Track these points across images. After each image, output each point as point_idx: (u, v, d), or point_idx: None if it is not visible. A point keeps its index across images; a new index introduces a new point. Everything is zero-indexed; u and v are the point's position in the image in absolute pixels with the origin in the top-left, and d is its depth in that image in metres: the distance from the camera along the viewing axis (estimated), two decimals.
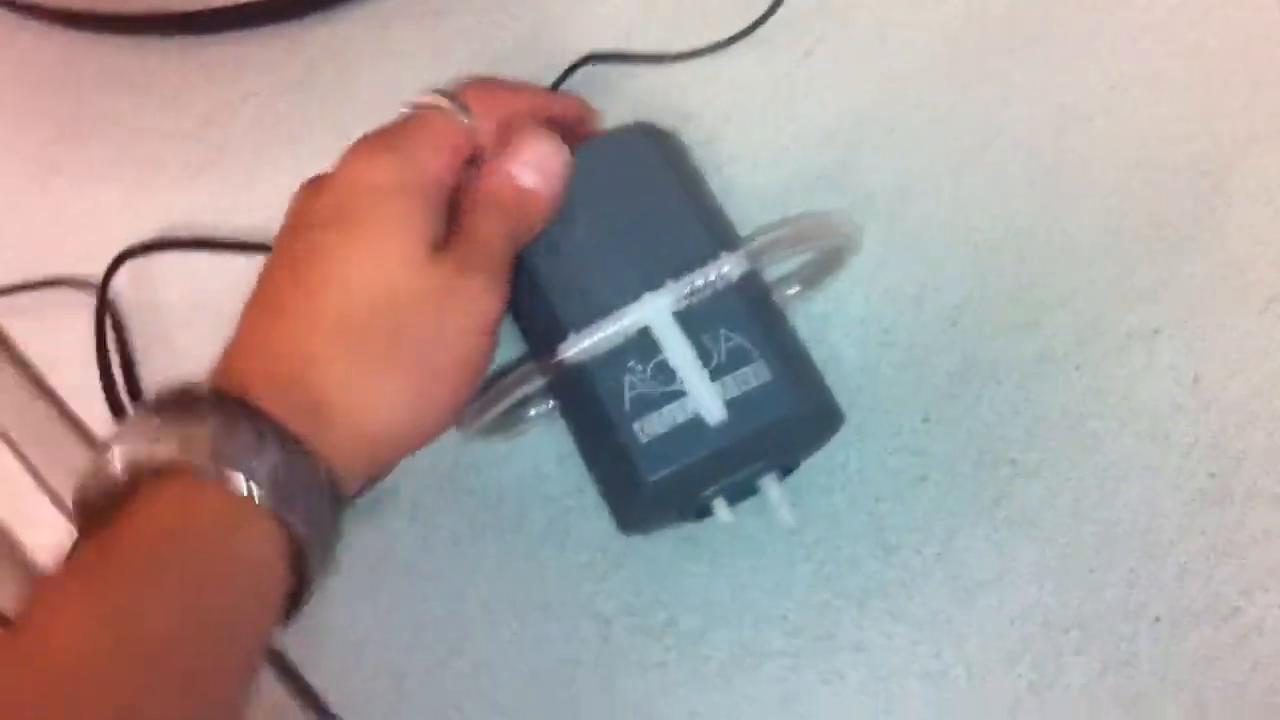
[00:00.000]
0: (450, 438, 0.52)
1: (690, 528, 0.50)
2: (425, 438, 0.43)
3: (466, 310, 0.43)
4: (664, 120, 0.55)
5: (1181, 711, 0.49)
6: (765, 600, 0.51)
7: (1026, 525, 0.51)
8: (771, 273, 0.52)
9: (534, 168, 0.46)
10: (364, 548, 0.53)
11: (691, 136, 0.56)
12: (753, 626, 0.51)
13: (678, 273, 0.46)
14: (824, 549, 0.52)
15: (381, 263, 0.41)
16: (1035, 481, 0.51)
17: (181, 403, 0.38)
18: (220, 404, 0.38)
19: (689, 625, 0.51)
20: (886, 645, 0.50)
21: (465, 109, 0.46)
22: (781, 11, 0.58)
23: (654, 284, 0.46)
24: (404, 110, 0.46)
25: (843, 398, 0.52)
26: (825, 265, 0.52)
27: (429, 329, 0.42)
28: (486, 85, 0.48)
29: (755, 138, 0.56)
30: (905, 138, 0.55)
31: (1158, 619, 0.50)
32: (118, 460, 0.37)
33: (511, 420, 0.52)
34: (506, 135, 0.46)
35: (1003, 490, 0.51)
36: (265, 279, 0.43)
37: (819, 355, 0.52)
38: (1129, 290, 0.53)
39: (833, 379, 0.52)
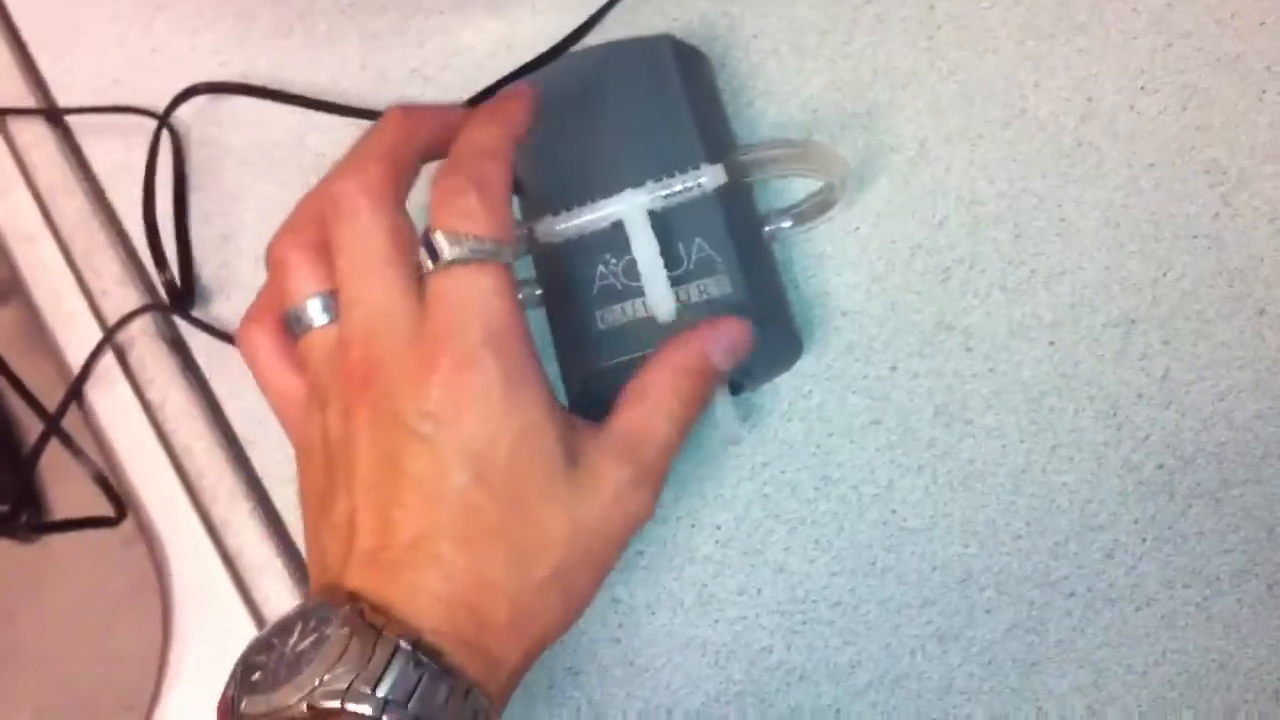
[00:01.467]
0: None
1: None
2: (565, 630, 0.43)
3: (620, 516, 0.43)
4: (710, 46, 0.57)
5: (1077, 686, 0.50)
6: (704, 508, 0.54)
7: (966, 484, 0.53)
8: (768, 203, 0.55)
9: (727, 350, 0.46)
10: None
11: (733, 67, 0.59)
12: (687, 530, 0.54)
13: (659, 175, 0.49)
14: (769, 471, 0.54)
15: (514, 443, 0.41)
16: (984, 444, 0.53)
17: (375, 642, 0.38)
18: (419, 662, 0.38)
19: None
20: (807, 570, 0.53)
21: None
22: None
23: (635, 183, 0.49)
24: None
25: (819, 334, 0.54)
26: (819, 206, 0.54)
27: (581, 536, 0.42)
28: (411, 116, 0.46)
29: (793, 77, 0.58)
30: (933, 102, 0.57)
31: (1073, 594, 0.51)
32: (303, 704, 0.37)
33: None
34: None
35: (951, 447, 0.53)
36: (380, 478, 0.41)
37: (809, 290, 0.55)
38: (1116, 280, 0.54)
39: (816, 314, 0.55)
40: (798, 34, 0.59)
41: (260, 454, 0.58)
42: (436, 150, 0.45)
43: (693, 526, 0.54)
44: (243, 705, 0.38)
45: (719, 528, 0.54)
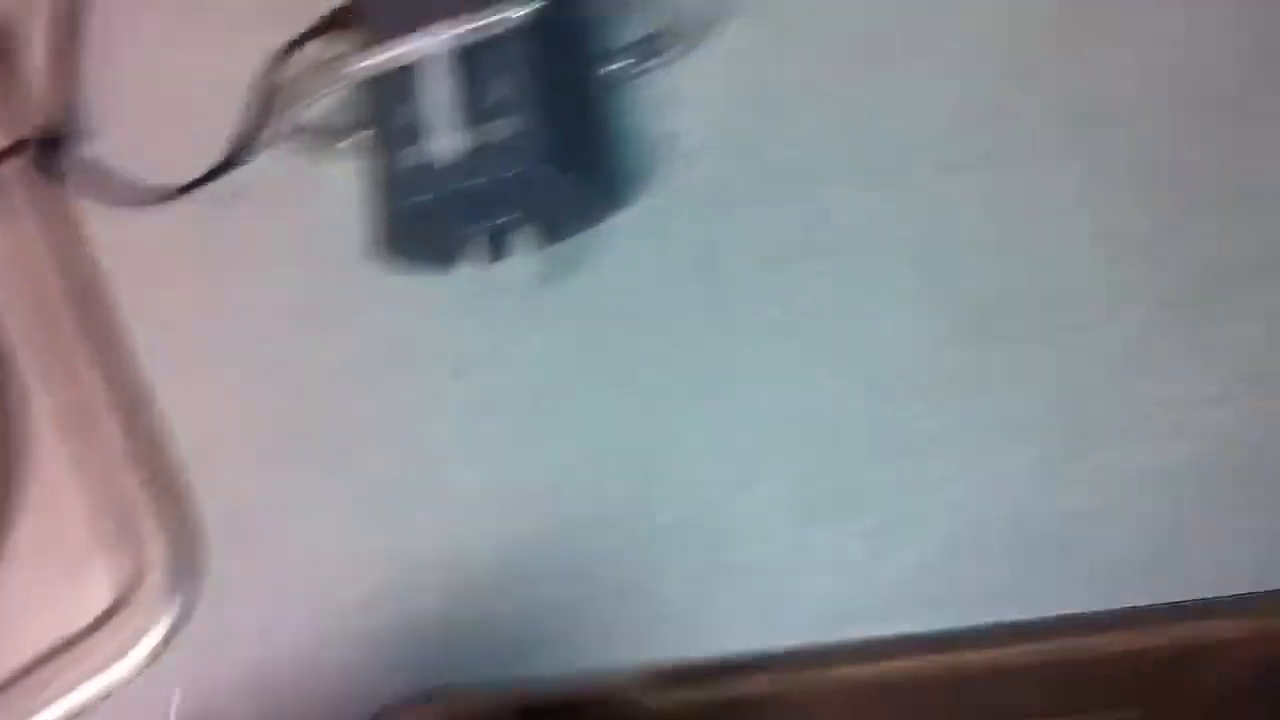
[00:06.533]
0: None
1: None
2: None
3: None
4: None
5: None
6: (510, 363, 0.54)
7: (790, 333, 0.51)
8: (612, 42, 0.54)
9: None
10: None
11: None
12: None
13: (468, 11, 0.48)
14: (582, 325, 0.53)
15: None
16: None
17: None
18: None
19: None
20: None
21: None
22: None
23: (444, 15, 0.48)
24: None
25: (657, 177, 0.53)
26: (662, 43, 0.53)
27: None
28: None
29: None
30: None
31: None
32: None
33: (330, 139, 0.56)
34: None
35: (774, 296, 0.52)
36: None
37: (651, 134, 0.53)
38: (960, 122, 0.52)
39: (655, 158, 0.53)
40: None
41: None
42: None
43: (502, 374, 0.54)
44: None
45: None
